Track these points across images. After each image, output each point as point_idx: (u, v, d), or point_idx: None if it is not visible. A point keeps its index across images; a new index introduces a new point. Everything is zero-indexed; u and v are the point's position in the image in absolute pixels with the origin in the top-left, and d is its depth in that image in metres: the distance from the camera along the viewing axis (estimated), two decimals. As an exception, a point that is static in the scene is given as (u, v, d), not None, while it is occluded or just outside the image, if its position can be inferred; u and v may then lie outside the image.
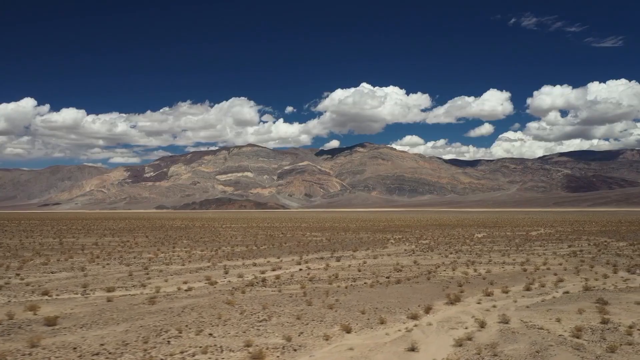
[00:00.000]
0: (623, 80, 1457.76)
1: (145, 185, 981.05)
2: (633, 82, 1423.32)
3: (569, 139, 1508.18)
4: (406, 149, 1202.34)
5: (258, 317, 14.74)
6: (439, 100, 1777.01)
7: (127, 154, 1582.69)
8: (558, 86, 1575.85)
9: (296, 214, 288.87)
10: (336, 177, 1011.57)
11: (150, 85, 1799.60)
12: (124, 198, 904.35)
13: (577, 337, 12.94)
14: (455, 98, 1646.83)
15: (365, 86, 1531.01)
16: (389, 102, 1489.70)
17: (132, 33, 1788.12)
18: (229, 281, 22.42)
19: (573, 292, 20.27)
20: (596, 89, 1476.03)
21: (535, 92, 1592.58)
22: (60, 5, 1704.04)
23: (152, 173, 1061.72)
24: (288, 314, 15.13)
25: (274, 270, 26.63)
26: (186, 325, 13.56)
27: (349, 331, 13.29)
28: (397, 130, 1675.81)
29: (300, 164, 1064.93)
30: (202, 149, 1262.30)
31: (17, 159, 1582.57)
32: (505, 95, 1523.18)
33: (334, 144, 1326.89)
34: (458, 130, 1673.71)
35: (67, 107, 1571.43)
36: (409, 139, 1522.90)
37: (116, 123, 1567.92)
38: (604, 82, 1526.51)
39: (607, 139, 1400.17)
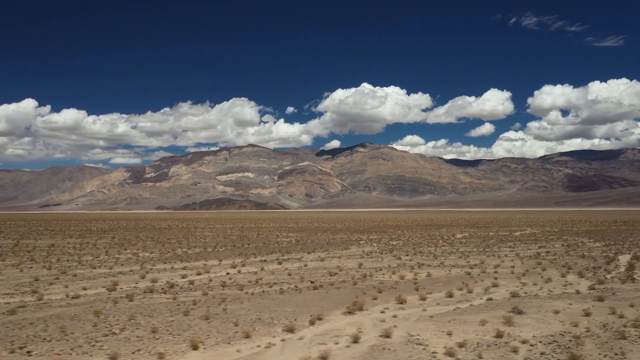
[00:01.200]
0: (624, 80, 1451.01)
1: (145, 186, 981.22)
2: (634, 81, 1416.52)
3: (570, 138, 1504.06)
4: (407, 149, 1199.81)
5: (110, 330, 13.19)
6: (439, 100, 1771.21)
7: (128, 155, 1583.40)
8: (559, 86, 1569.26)
9: (293, 214, 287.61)
10: (337, 177, 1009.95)
11: (150, 85, 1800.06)
12: (125, 199, 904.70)
13: (451, 355, 11.34)
14: (456, 98, 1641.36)
15: (365, 86, 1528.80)
16: (390, 102, 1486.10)
17: (132, 33, 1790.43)
18: (135, 287, 20.88)
19: (497, 299, 18.66)
20: (597, 89, 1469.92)
21: (535, 92, 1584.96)
22: (60, 5, 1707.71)
23: (152, 173, 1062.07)
24: (146, 327, 13.56)
25: (199, 274, 25.07)
26: (11, 342, 12.02)
27: (195, 347, 11.73)
28: (398, 130, 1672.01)
29: (300, 164, 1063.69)
30: (203, 149, 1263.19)
31: (18, 159, 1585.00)
32: (506, 94, 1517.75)
33: (335, 144, 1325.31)
34: (459, 130, 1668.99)
35: (68, 107, 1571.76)
36: (409, 138, 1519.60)
37: (117, 124, 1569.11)
38: (605, 81, 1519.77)
39: (608, 139, 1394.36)
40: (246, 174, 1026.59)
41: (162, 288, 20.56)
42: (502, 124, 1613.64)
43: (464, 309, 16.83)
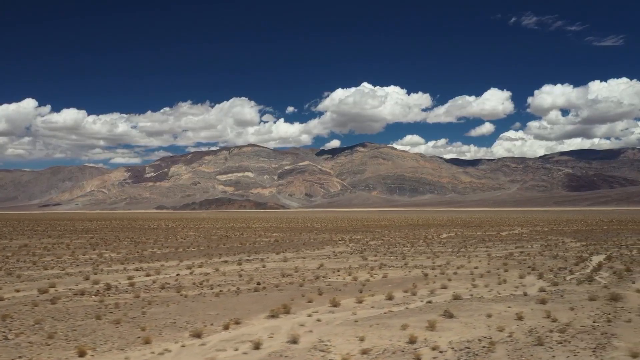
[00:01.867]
0: (624, 79, 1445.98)
1: (145, 186, 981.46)
2: (634, 80, 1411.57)
3: (570, 138, 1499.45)
4: (407, 148, 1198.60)
5: (4, 335, 12.61)
6: (439, 99, 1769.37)
7: (128, 155, 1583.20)
8: (559, 85, 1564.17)
9: (291, 214, 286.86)
10: (337, 177, 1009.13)
11: (150, 85, 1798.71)
12: (125, 198, 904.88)
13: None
14: (456, 97, 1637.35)
15: (365, 86, 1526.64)
16: (390, 101, 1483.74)
17: (132, 33, 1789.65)
18: (70, 289, 20.30)
19: (438, 302, 18.05)
20: (597, 88, 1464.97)
21: (536, 91, 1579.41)
22: (60, 5, 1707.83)
23: (152, 173, 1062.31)
24: (46, 332, 12.97)
25: (148, 275, 24.50)
26: None
27: (83, 355, 11.14)
28: (398, 129, 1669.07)
29: (300, 163, 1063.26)
30: (203, 149, 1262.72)
31: (18, 159, 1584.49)
32: (506, 94, 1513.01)
33: (335, 143, 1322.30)
34: (459, 130, 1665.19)
35: (68, 107, 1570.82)
36: (409, 138, 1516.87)
37: (117, 123, 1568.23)
38: (605, 81, 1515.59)
39: (608, 138, 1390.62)
40: (246, 173, 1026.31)
41: (98, 290, 19.98)
42: (502, 124, 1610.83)
43: (396, 312, 16.23)
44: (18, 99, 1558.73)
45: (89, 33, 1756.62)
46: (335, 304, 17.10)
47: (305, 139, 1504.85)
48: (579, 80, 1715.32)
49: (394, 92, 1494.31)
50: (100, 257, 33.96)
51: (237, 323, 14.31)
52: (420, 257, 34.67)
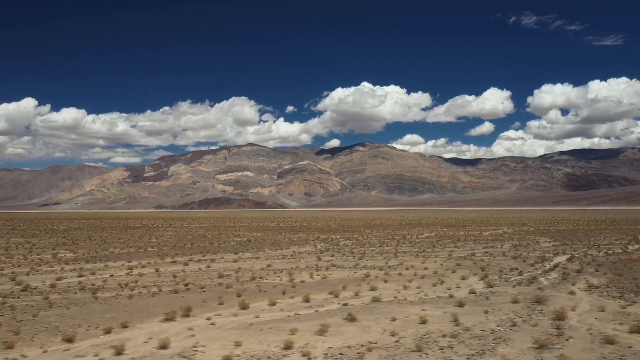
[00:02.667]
0: (624, 79, 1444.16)
1: (145, 185, 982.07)
2: (634, 80, 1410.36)
3: (570, 137, 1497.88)
4: (406, 148, 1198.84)
5: None
6: (439, 99, 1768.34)
7: (128, 154, 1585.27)
8: (559, 84, 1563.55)
9: (287, 214, 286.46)
10: (336, 176, 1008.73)
11: (150, 84, 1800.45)
12: (124, 198, 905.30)
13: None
14: (456, 97, 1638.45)
15: (365, 85, 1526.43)
16: (390, 101, 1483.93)
17: (132, 33, 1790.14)
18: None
19: (354, 304, 17.47)
20: (597, 88, 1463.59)
21: (535, 91, 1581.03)
22: (60, 5, 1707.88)
23: (152, 173, 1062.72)
24: None
25: (80, 276, 23.96)
26: None
27: None
28: (398, 129, 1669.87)
29: (300, 163, 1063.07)
30: (203, 148, 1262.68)
31: (17, 159, 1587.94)
32: (506, 93, 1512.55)
33: (334, 143, 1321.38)
34: (458, 129, 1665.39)
35: (68, 107, 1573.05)
36: (409, 137, 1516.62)
37: (116, 123, 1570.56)
38: (605, 80, 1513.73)
39: (608, 138, 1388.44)
40: (245, 173, 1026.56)
41: (12, 292, 19.46)
42: (502, 123, 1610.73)
43: (302, 315, 15.67)
44: (18, 98, 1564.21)
45: (88, 33, 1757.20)
46: (244, 307, 16.56)
47: (305, 138, 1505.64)
48: (579, 79, 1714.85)
49: (394, 92, 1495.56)
50: (53, 258, 33.43)
51: (124, 327, 13.76)
52: (378, 257, 34.12)
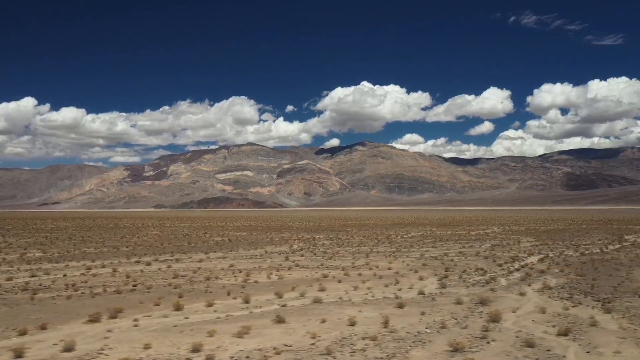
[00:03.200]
0: (624, 78, 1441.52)
1: (144, 185, 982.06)
2: (634, 80, 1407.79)
3: (570, 137, 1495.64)
4: (406, 147, 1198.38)
5: None
6: (439, 98, 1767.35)
7: (128, 153, 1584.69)
8: (558, 84, 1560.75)
9: (284, 213, 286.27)
10: (336, 175, 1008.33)
11: (149, 84, 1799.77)
12: (123, 197, 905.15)
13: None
14: (455, 96, 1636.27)
15: (365, 85, 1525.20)
16: (389, 100, 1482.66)
17: (132, 32, 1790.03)
18: None
19: (294, 305, 17.16)
20: (596, 87, 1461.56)
21: (535, 90, 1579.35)
22: (60, 4, 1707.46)
23: (151, 172, 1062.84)
24: None
25: (33, 276, 23.66)
26: None
27: None
28: (397, 128, 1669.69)
29: (299, 162, 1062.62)
30: (202, 148, 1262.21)
31: (17, 158, 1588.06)
32: (506, 93, 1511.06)
33: (334, 142, 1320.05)
34: (458, 129, 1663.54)
35: (67, 106, 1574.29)
36: (409, 137, 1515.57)
37: (116, 122, 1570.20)
38: (605, 80, 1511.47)
39: (607, 137, 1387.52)
40: (245, 172, 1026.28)
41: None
42: (502, 123, 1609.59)
43: (234, 316, 15.35)
44: (17, 97, 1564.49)
45: (88, 32, 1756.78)
46: (178, 308, 16.25)
47: (305, 137, 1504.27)
48: (579, 79, 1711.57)
49: (394, 91, 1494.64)
50: (19, 257, 33.11)
51: (42, 328, 13.46)
52: (348, 257, 33.81)
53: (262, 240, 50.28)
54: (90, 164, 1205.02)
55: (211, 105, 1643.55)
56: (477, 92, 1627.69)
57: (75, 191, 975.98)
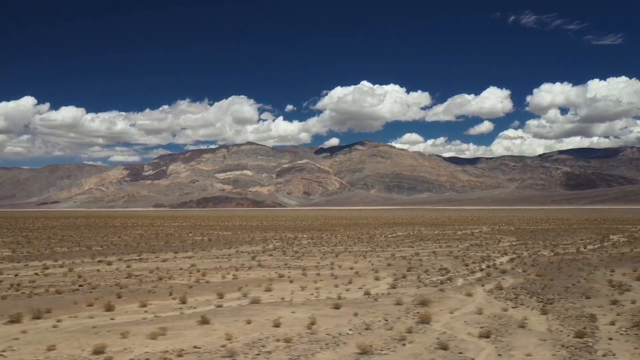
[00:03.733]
0: (623, 78, 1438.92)
1: (144, 184, 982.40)
2: (633, 79, 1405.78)
3: (569, 136, 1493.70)
4: (406, 147, 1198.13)
5: None
6: (438, 98, 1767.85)
7: (127, 153, 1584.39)
8: (558, 84, 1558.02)
9: (280, 213, 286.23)
10: (335, 175, 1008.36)
11: (149, 83, 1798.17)
12: (123, 197, 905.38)
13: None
14: (455, 96, 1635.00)
15: (365, 84, 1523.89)
16: (389, 100, 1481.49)
17: (131, 32, 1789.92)
18: None
19: (231, 305, 16.91)
20: (596, 87, 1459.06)
21: (535, 90, 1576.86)
22: (60, 4, 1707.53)
23: (151, 171, 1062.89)
24: None
25: (-15, 276, 23.47)
26: None
27: None
28: (397, 128, 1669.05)
29: (299, 162, 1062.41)
30: (202, 147, 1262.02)
31: (16, 157, 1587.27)
32: (505, 93, 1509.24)
33: (334, 142, 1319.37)
34: (458, 128, 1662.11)
35: (67, 105, 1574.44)
36: (408, 136, 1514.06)
37: (115, 121, 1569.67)
38: (604, 79, 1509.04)
39: (607, 137, 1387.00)
40: (244, 172, 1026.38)
41: None
42: (501, 122, 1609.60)
43: (161, 317, 15.07)
44: (17, 96, 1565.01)
45: (87, 31, 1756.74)
46: (109, 309, 15.98)
47: (304, 137, 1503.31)
48: (578, 78, 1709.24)
49: (393, 91, 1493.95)
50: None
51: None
52: (316, 257, 33.56)
53: (241, 240, 50.03)
54: (90, 163, 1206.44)
55: (211, 105, 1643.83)
56: (477, 91, 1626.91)
57: (75, 190, 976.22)
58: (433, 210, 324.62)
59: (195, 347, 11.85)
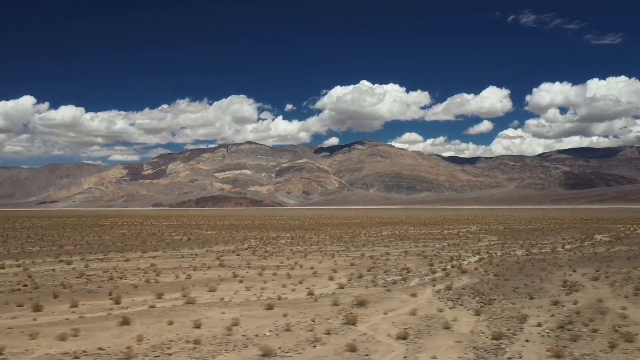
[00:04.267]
0: (623, 77, 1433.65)
1: (143, 183, 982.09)
2: (633, 79, 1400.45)
3: (569, 136, 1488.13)
4: (405, 146, 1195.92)
5: None
6: (438, 97, 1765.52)
7: (127, 152, 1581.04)
8: (557, 83, 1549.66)
9: (277, 212, 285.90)
10: (334, 174, 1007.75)
11: (148, 83, 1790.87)
12: (122, 196, 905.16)
13: None
14: (455, 95, 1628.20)
15: (364, 83, 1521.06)
16: (388, 99, 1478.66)
17: (131, 31, 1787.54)
18: None
19: (164, 306, 16.68)
20: (595, 86, 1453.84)
21: (534, 89, 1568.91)
22: (59, 3, 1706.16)
23: (150, 171, 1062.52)
24: None
25: None
26: None
27: None
28: (396, 127, 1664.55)
29: (298, 161, 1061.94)
30: (201, 146, 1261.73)
31: (16, 157, 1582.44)
32: (505, 92, 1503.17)
33: (333, 141, 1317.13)
34: (457, 128, 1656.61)
35: (66, 104, 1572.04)
36: (407, 136, 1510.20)
37: (115, 121, 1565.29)
38: (604, 79, 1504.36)
39: (606, 136, 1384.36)
40: (244, 171, 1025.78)
41: None
42: (501, 122, 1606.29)
43: (86, 318, 14.87)
44: (16, 96, 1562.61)
45: (87, 31, 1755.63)
46: (37, 309, 15.76)
47: (304, 136, 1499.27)
48: (578, 78, 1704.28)
49: (393, 90, 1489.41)
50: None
51: None
52: (284, 256, 33.34)
53: (219, 239, 49.80)
54: (89, 162, 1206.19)
55: (210, 104, 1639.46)
56: (476, 91, 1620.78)
57: (74, 190, 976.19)
58: (431, 210, 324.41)
59: (100, 348, 11.63)
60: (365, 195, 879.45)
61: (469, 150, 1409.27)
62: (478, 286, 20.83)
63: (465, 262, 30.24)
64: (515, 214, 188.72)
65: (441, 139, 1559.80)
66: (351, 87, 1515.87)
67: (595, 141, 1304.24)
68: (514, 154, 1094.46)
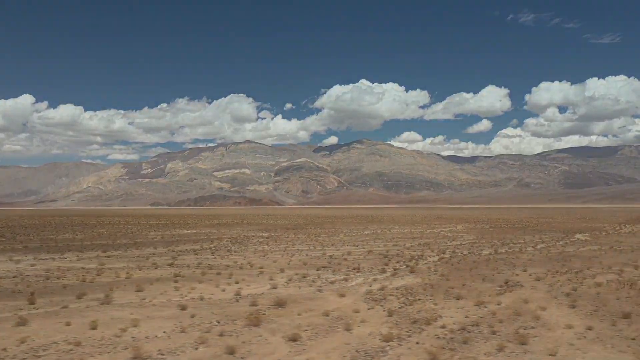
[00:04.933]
0: (622, 76, 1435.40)
1: (142, 182, 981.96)
2: (632, 78, 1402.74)
3: (568, 135, 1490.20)
4: (404, 145, 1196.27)
5: None
6: (437, 96, 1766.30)
7: (126, 151, 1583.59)
8: (556, 82, 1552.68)
9: (276, 211, 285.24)
10: (333, 173, 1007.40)
11: (147, 81, 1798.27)
12: (121, 195, 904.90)
13: None
14: (454, 94, 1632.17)
15: (363, 82, 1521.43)
16: (388, 98, 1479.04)
17: (130, 30, 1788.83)
18: None
19: (77, 307, 16.39)
20: (595, 85, 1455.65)
21: (533, 89, 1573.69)
22: (59, 3, 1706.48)
23: (149, 170, 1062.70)
24: None
25: None
26: None
27: None
28: (395, 126, 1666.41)
29: (297, 160, 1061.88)
30: (200, 145, 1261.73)
31: (15, 155, 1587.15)
32: (504, 91, 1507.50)
33: (332, 140, 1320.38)
34: (456, 127, 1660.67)
35: (65, 103, 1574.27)
36: (407, 135, 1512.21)
37: (114, 120, 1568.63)
38: (603, 78, 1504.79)
39: (605, 135, 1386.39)
40: (243, 170, 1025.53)
41: None
42: (500, 121, 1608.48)
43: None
44: (15, 95, 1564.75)
45: (86, 30, 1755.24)
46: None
47: (303, 135, 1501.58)
48: (577, 77, 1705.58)
49: (392, 89, 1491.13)
50: None
51: None
52: (241, 256, 33.07)
53: (190, 239, 49.49)
54: (88, 161, 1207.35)
55: (209, 103, 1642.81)
56: (476, 90, 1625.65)
57: (73, 189, 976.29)
58: (428, 209, 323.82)
59: (-26, 351, 11.33)
60: (364, 195, 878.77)
61: (468, 149, 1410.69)
62: (415, 287, 20.52)
63: (423, 262, 29.94)
64: (511, 213, 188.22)
65: (440, 138, 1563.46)
66: (350, 86, 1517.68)
67: (594, 140, 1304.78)
68: (513, 153, 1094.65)
